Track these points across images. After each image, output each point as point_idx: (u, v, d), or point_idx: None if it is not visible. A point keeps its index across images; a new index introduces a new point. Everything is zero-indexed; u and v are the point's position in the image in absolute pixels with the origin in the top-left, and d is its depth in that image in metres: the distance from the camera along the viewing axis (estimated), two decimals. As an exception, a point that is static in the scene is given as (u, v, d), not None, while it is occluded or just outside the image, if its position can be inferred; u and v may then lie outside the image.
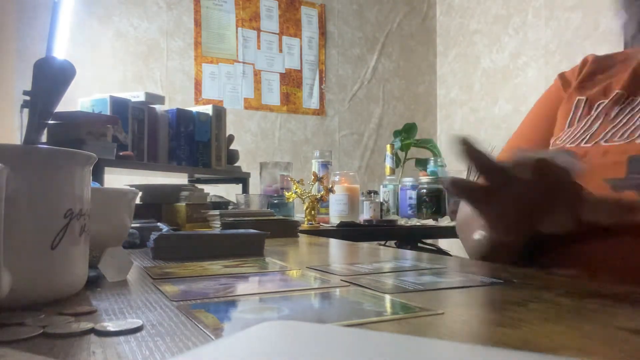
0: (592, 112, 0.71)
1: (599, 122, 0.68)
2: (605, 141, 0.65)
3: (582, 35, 2.27)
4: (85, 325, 0.30)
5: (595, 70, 0.77)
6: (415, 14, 3.15)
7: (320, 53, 2.90)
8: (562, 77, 0.83)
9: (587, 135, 0.68)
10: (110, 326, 0.30)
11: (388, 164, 2.23)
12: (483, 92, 2.81)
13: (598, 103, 0.71)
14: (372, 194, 2.00)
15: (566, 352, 0.26)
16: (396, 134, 2.71)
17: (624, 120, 0.66)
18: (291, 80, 2.81)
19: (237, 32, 2.68)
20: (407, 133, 2.65)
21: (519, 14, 2.60)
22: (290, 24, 2.83)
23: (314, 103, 2.86)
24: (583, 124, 0.70)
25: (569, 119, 0.73)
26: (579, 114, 0.72)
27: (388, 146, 2.28)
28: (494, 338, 0.29)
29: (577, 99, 0.75)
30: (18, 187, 0.34)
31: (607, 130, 0.66)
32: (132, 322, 0.31)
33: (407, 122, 2.77)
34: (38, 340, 0.28)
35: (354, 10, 2.98)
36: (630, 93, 0.70)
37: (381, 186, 2.19)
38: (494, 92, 2.73)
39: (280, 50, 2.80)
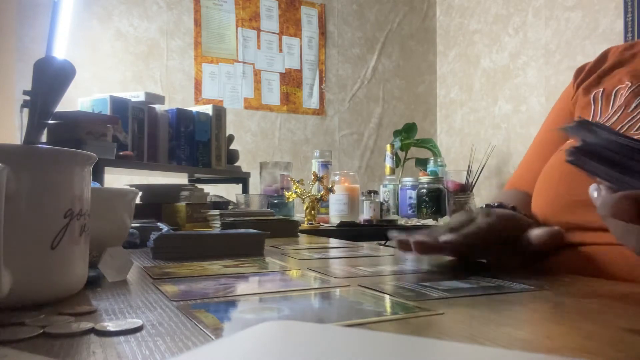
0: (610, 102, 0.68)
1: (618, 114, 0.64)
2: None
3: (582, 35, 2.27)
4: (85, 325, 0.30)
5: (615, 63, 0.74)
6: (415, 13, 3.15)
7: (320, 53, 2.89)
8: (577, 74, 0.78)
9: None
10: (110, 326, 0.30)
11: (388, 163, 2.23)
12: (483, 92, 2.81)
13: (616, 91, 0.68)
14: (372, 194, 2.00)
15: (566, 352, 0.26)
16: (396, 133, 2.71)
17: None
18: (291, 80, 2.81)
19: (237, 32, 2.68)
20: (407, 133, 2.65)
21: (519, 14, 2.59)
22: (290, 24, 2.83)
23: (314, 103, 2.85)
24: (602, 116, 0.67)
25: (591, 114, 0.69)
26: (599, 107, 0.69)
27: (388, 146, 2.28)
28: (494, 338, 0.29)
29: (593, 92, 0.72)
30: (18, 187, 0.34)
31: (624, 122, 0.62)
32: (132, 322, 0.31)
33: (407, 122, 2.77)
34: (38, 340, 0.28)
35: (354, 10, 2.98)
36: None
37: (381, 186, 2.19)
38: (494, 92, 2.73)
39: (280, 50, 2.80)
